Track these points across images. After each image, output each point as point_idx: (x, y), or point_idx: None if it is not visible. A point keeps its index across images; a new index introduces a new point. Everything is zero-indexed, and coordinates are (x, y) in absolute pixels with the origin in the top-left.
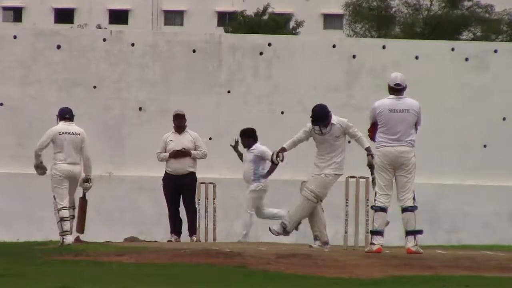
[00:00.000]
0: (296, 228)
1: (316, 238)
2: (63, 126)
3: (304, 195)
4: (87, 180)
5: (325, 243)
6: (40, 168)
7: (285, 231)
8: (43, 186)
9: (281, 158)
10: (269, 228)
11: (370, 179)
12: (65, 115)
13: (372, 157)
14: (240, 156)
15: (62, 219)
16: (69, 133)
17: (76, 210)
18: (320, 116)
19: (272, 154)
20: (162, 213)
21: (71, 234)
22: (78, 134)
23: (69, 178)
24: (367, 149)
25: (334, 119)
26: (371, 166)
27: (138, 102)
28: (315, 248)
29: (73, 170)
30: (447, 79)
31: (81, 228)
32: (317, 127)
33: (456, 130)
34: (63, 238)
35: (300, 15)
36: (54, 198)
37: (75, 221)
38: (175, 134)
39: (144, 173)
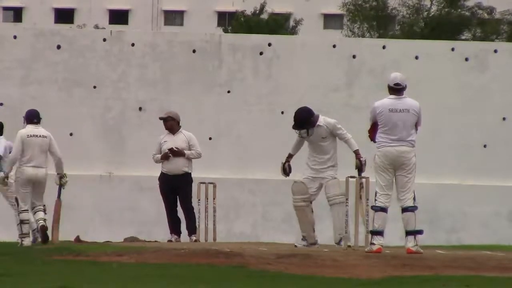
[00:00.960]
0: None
1: (304, 238)
2: (30, 129)
3: (338, 202)
4: (62, 176)
5: (313, 244)
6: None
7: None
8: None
9: (288, 171)
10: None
11: (359, 183)
12: (33, 118)
13: (361, 161)
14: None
15: (22, 222)
16: (36, 136)
17: (53, 214)
18: (300, 120)
19: (282, 168)
20: (162, 213)
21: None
22: (45, 137)
23: (33, 182)
24: (356, 152)
25: (321, 120)
26: (359, 169)
27: (138, 102)
28: (299, 247)
29: (37, 173)
30: (447, 79)
31: (56, 235)
32: (297, 131)
33: (456, 130)
34: (21, 240)
35: (300, 15)
36: (16, 200)
37: (50, 223)
38: (169, 134)
39: (144, 173)
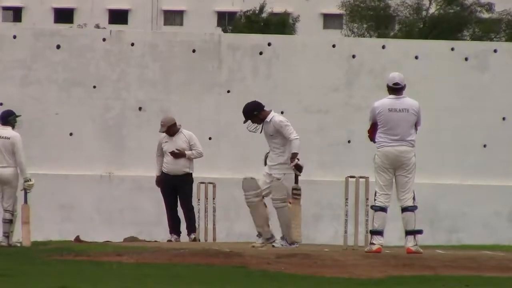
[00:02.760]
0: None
1: (259, 235)
2: None
3: (279, 207)
4: (26, 180)
5: (268, 239)
6: None
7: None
8: (43, 186)
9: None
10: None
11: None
12: (2, 119)
13: (295, 165)
14: None
15: None
16: (1, 137)
17: (20, 217)
18: (242, 112)
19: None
20: (162, 213)
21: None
22: (8, 138)
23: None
24: (292, 155)
25: (270, 117)
26: (295, 174)
27: (138, 102)
28: (257, 245)
29: (2, 173)
30: (447, 79)
31: (27, 237)
32: (248, 126)
33: (456, 130)
34: None
35: (300, 15)
36: None
37: (18, 226)
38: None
39: (144, 173)
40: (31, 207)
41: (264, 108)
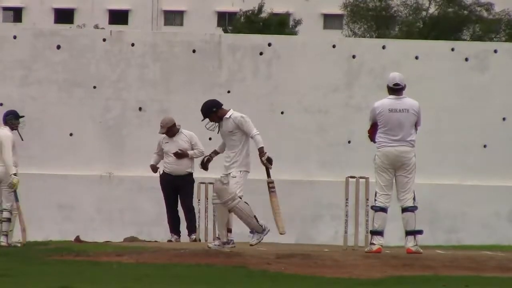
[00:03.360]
0: (230, 231)
1: (218, 237)
2: None
3: (231, 207)
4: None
5: (225, 243)
6: None
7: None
8: (43, 186)
9: (205, 166)
10: (208, 245)
11: (268, 181)
12: (3, 119)
13: (265, 160)
14: None
15: None
16: None
17: (14, 216)
18: (201, 110)
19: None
20: (162, 213)
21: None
22: None
23: None
24: (259, 150)
25: (229, 114)
26: (266, 168)
27: (138, 102)
28: (212, 247)
29: None
30: (447, 79)
31: (23, 237)
32: (206, 124)
33: (456, 130)
34: None
35: (300, 15)
36: None
37: (16, 225)
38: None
39: (144, 173)
40: (24, 205)
41: (223, 107)
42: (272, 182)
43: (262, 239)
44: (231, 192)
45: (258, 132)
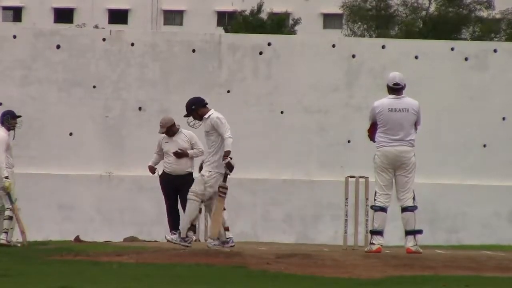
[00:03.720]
0: (194, 231)
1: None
2: None
3: (188, 198)
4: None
5: (183, 238)
6: None
7: (181, 238)
8: (43, 186)
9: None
10: (165, 237)
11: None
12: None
13: (226, 164)
14: None
15: None
16: None
17: (11, 217)
18: (185, 107)
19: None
20: (162, 213)
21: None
22: None
23: None
24: (225, 153)
25: (209, 114)
26: (225, 172)
27: (138, 102)
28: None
29: None
30: (447, 79)
31: (23, 238)
32: (188, 120)
33: (456, 130)
34: None
35: (300, 15)
36: None
37: (16, 225)
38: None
39: (144, 173)
40: (24, 205)
41: (207, 106)
42: (225, 188)
43: (177, 243)
44: (201, 191)
45: (230, 135)
